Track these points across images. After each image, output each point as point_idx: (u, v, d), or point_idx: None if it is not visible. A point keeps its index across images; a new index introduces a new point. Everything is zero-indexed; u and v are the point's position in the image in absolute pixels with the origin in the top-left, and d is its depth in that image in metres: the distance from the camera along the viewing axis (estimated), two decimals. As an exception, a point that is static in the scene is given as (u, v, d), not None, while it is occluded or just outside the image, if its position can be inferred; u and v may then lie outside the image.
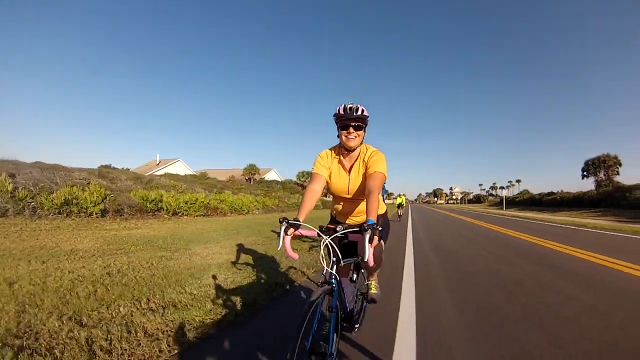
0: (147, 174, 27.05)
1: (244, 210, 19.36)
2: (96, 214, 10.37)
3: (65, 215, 9.85)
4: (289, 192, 36.92)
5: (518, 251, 7.13)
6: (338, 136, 2.34)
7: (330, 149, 2.49)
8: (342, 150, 2.40)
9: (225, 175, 44.18)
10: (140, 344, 2.26)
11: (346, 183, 2.45)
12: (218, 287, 3.66)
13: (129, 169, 46.57)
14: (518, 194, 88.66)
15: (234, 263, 4.93)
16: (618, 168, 53.64)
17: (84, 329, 2.41)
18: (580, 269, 5.10)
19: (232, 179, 40.26)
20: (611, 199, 32.73)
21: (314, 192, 2.27)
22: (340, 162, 2.44)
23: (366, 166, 2.36)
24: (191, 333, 2.49)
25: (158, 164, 49.62)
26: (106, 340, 2.26)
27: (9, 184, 9.85)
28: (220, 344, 2.39)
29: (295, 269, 4.69)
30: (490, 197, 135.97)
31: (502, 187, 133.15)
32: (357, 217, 2.59)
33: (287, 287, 3.90)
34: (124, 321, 2.58)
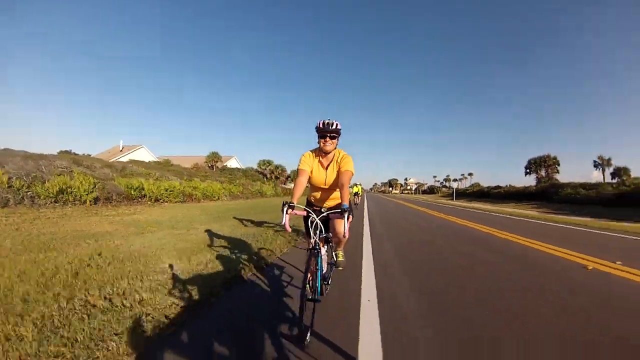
0: (110, 160, 27.13)
1: (214, 197, 20.62)
2: (90, 201, 11.36)
3: (62, 203, 10.76)
4: (251, 180, 38.18)
5: (451, 230, 9.37)
6: (318, 142, 3.11)
7: (312, 151, 3.25)
8: (321, 152, 3.17)
9: (188, 162, 43.96)
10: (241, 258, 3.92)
11: (324, 178, 3.22)
12: (244, 239, 5.51)
13: (90, 155, 45.12)
14: (469, 186, 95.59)
15: (235, 237, 6.60)
16: (557, 167, 61.86)
17: (190, 265, 4.05)
18: (496, 243, 7.23)
19: (196, 167, 40.54)
20: (547, 194, 37.57)
21: (302, 183, 3.02)
22: (319, 161, 3.21)
23: (339, 165, 3.14)
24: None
25: (122, 150, 48.14)
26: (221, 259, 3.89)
27: (2, 174, 10.58)
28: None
29: (273, 231, 6.45)
30: (444, 189, 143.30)
31: (455, 180, 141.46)
32: (330, 202, 3.43)
33: (270, 243, 5.65)
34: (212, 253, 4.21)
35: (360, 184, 22.86)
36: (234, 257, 4.85)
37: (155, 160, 44.30)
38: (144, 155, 47.74)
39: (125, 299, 2.95)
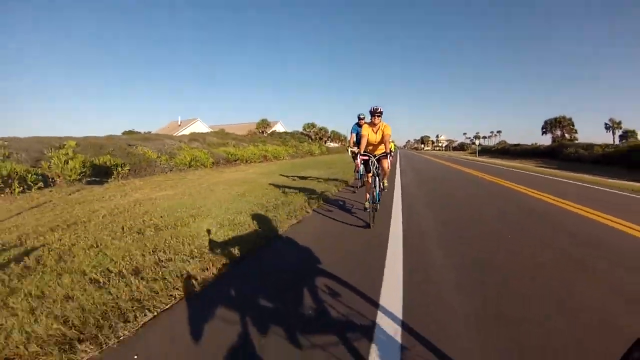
0: (174, 134, 32.34)
1: (279, 157, 25.62)
2: (210, 166, 16.50)
3: (194, 168, 15.98)
4: (299, 142, 42.75)
5: (453, 174, 13.64)
6: (371, 118, 5.01)
7: (367, 123, 5.26)
8: (372, 124, 5.12)
9: (240, 130, 46.99)
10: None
11: (375, 138, 5.19)
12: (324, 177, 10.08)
13: (150, 132, 50.66)
14: (496, 144, 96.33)
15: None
16: (573, 127, 62.95)
17: (324, 181, 8.72)
18: (472, 178, 11.53)
19: (250, 133, 45.44)
20: (555, 152, 41.63)
21: (364, 142, 4.96)
22: (372, 129, 5.15)
23: (382, 130, 5.10)
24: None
25: (180, 125, 53.21)
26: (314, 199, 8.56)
27: (158, 156, 15.84)
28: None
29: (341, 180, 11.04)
30: (473, 146, 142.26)
31: (484, 137, 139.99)
32: (378, 151, 5.40)
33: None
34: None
35: (393, 141, 26.74)
36: (326, 183, 9.49)
37: (209, 130, 49.34)
38: (200, 127, 51.37)
39: (305, 180, 7.67)
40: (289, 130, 56.33)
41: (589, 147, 36.62)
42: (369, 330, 2.02)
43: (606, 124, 73.43)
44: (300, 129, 56.81)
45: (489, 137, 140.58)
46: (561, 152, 39.65)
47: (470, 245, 3.86)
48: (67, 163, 9.63)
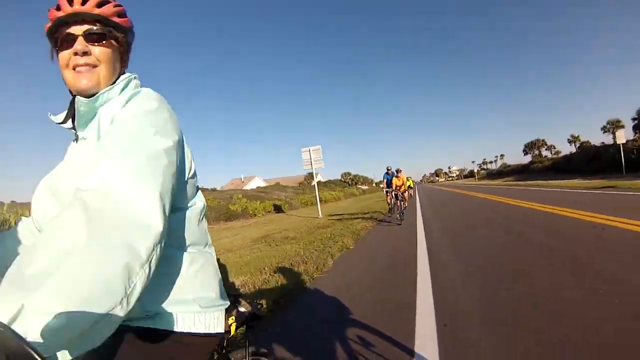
0: (242, 188, 38.88)
1: (337, 199, 31.58)
2: (262, 214, 22.46)
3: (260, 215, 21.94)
4: (342, 187, 48.81)
5: (453, 195, 18.76)
6: (396, 174, 9.88)
7: (394, 176, 9.83)
8: (396, 176, 9.62)
9: (290, 182, 52.52)
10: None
11: (399, 183, 9.33)
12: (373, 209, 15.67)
13: (215, 189, 58.28)
14: (499, 166, 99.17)
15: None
16: (547, 145, 72.62)
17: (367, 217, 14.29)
18: (458, 195, 16.63)
19: (301, 185, 51.54)
20: (527, 168, 53.89)
21: (393, 185, 9.46)
22: (396, 178, 9.55)
23: (402, 179, 9.54)
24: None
25: (243, 181, 60.06)
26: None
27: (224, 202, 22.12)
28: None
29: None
30: (482, 172, 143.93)
31: (490, 162, 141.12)
32: (401, 188, 9.07)
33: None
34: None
35: (410, 178, 32.29)
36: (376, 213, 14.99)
37: (266, 185, 55.96)
38: (258, 182, 57.74)
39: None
40: (328, 180, 62.71)
41: (544, 161, 47.29)
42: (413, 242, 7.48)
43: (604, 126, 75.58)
44: (338, 177, 63.67)
45: (494, 161, 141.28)
46: (529, 167, 52.78)
47: (444, 217, 9.21)
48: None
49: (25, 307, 0.35)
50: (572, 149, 75.09)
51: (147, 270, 0.47)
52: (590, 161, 31.88)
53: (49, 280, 0.38)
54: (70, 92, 0.74)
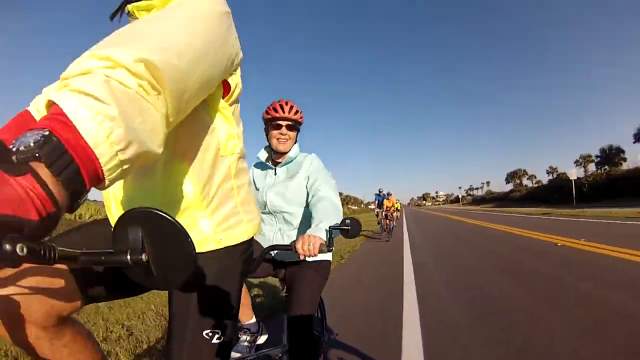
0: None
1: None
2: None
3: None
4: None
5: (435, 218, 22.75)
6: (387, 196, 11.81)
7: (385, 198, 11.13)
8: (387, 198, 10.77)
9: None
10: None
11: (389, 205, 10.29)
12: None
13: None
14: (485, 193, 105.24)
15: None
16: (527, 175, 79.79)
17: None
18: (438, 217, 20.71)
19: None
20: (507, 196, 57.77)
21: (384, 206, 10.36)
22: (387, 200, 10.55)
23: (392, 202, 10.64)
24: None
25: None
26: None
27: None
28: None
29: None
30: (468, 197, 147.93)
31: (476, 188, 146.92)
32: (391, 210, 10.25)
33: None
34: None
35: (398, 200, 36.05)
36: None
37: None
38: None
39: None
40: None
41: (522, 190, 53.73)
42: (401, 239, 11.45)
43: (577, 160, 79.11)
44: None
45: (480, 187, 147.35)
46: (509, 195, 58.72)
47: (425, 229, 13.32)
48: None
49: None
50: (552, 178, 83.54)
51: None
52: (556, 192, 36.61)
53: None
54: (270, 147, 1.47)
